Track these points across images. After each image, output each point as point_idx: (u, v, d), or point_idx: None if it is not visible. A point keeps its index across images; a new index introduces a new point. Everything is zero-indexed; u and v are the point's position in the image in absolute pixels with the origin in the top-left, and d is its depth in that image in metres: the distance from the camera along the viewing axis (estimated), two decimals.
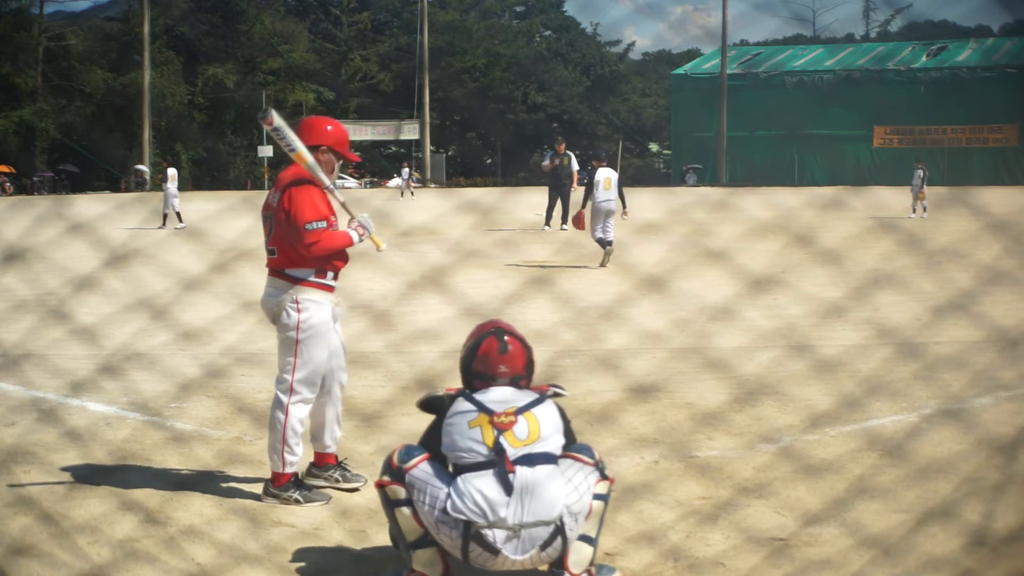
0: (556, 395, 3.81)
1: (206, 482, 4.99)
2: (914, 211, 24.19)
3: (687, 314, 9.73)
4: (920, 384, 6.81)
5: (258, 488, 4.86)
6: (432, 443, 3.69)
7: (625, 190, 14.56)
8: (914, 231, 20.96)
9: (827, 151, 48.26)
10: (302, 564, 4.02)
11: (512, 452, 3.54)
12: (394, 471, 3.64)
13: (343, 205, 4.81)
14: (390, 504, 3.64)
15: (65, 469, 5.25)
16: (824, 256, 14.59)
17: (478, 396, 3.70)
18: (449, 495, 3.52)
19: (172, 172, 24.27)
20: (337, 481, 4.90)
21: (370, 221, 4.81)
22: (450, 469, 3.63)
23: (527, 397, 3.71)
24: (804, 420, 5.98)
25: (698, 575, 3.88)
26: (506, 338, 3.81)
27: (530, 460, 3.53)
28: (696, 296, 10.54)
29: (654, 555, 4.02)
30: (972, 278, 12.27)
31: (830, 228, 19.86)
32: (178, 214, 23.55)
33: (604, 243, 14.26)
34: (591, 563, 3.65)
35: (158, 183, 29.27)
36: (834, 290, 11.39)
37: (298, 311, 4.66)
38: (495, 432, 3.58)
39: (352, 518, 4.52)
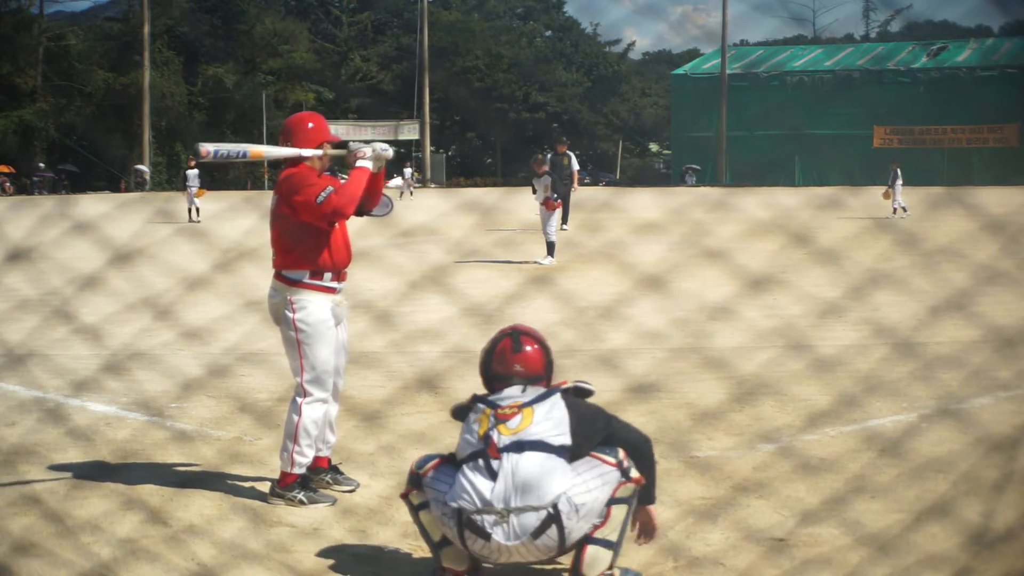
0: (578, 391, 3.83)
1: (207, 481, 5.00)
2: (905, 210, 24.41)
3: (686, 313, 9.74)
4: (919, 383, 6.82)
5: (259, 487, 4.89)
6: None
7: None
8: (911, 231, 20.97)
9: (827, 151, 48.19)
10: (303, 562, 4.04)
11: (500, 439, 3.60)
12: (413, 478, 3.76)
13: (338, 148, 4.84)
14: (414, 509, 3.75)
15: (67, 468, 5.27)
16: (823, 256, 14.61)
17: (491, 396, 3.78)
18: (449, 489, 3.62)
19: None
20: (328, 484, 4.90)
21: (362, 145, 4.82)
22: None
23: (535, 393, 3.75)
24: (803, 419, 5.99)
25: (697, 574, 3.90)
26: (522, 338, 3.89)
27: (519, 447, 3.57)
28: (695, 295, 10.56)
29: (653, 553, 4.02)
30: (969, 277, 12.29)
31: (829, 228, 19.88)
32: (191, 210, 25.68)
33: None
34: (609, 567, 3.62)
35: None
36: (833, 290, 11.40)
37: (293, 311, 4.69)
38: (490, 422, 3.65)
39: (353, 517, 4.54)
